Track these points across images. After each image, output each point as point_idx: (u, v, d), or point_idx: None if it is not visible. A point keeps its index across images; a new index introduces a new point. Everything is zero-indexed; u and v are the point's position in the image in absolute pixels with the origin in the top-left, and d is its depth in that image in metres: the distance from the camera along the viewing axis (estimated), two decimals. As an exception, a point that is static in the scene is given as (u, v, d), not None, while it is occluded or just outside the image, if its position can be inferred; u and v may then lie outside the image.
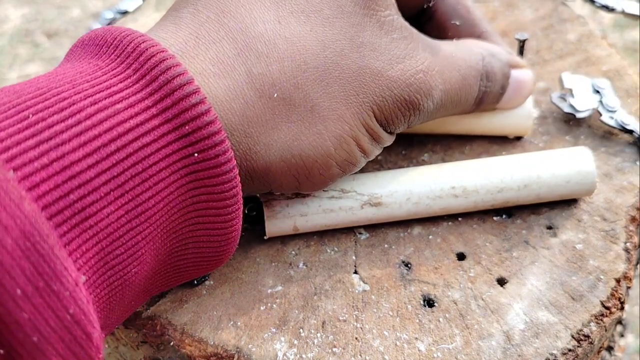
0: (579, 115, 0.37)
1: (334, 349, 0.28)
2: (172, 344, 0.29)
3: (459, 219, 0.34)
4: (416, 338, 0.29)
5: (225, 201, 0.25)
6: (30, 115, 0.21)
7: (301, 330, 0.29)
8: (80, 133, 0.22)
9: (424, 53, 0.30)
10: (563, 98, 0.38)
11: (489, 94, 0.33)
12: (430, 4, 0.35)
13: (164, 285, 0.28)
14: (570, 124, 0.38)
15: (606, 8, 0.45)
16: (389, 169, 0.36)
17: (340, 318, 0.29)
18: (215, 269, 0.32)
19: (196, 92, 0.24)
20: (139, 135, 0.23)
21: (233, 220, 0.26)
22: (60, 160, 0.21)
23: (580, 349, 0.28)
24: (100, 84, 0.23)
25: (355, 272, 0.31)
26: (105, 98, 0.23)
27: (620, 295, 0.30)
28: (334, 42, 0.28)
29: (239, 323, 0.29)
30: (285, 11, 0.28)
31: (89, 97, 0.23)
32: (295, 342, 0.29)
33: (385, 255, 0.32)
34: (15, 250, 0.18)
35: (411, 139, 0.37)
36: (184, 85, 0.24)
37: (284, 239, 0.33)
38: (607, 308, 0.30)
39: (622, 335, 0.43)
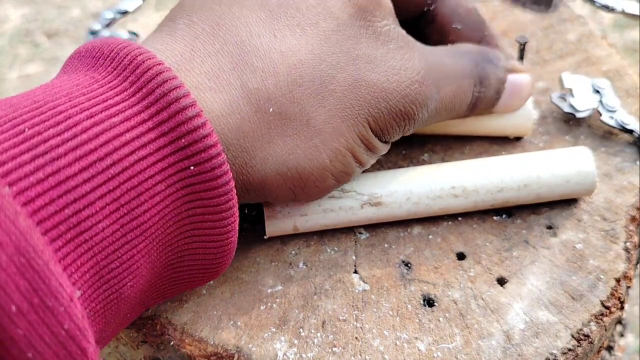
0: (579, 115, 0.37)
1: (334, 349, 0.28)
2: (172, 343, 0.29)
3: (459, 218, 0.34)
4: (416, 338, 0.29)
5: (221, 214, 0.25)
6: (26, 129, 0.21)
7: (301, 329, 0.29)
8: (76, 147, 0.22)
9: (419, 63, 0.30)
10: (563, 98, 0.38)
11: (482, 99, 0.33)
12: (431, 8, 0.35)
13: (160, 297, 0.28)
14: (570, 124, 0.38)
15: (606, 8, 0.45)
16: (389, 168, 0.36)
17: (340, 318, 0.29)
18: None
19: (192, 105, 0.24)
20: (135, 149, 0.23)
21: (229, 232, 0.26)
22: (55, 174, 0.21)
23: (580, 348, 0.28)
24: (97, 97, 0.23)
25: (355, 272, 0.31)
26: (102, 111, 0.23)
27: (620, 295, 0.30)
28: (330, 56, 0.28)
29: (239, 323, 0.29)
30: (280, 24, 0.27)
31: (85, 110, 0.22)
32: (295, 341, 0.29)
33: (385, 255, 0.32)
34: (10, 266, 0.18)
35: (411, 139, 0.37)
36: (180, 98, 0.24)
37: (284, 239, 0.33)
38: (607, 308, 0.30)
39: (622, 335, 0.43)
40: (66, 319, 0.20)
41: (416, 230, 0.33)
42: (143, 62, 0.24)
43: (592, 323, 0.29)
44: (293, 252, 0.32)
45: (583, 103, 0.38)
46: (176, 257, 0.26)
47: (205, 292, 0.31)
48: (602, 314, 0.29)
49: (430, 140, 0.38)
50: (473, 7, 0.36)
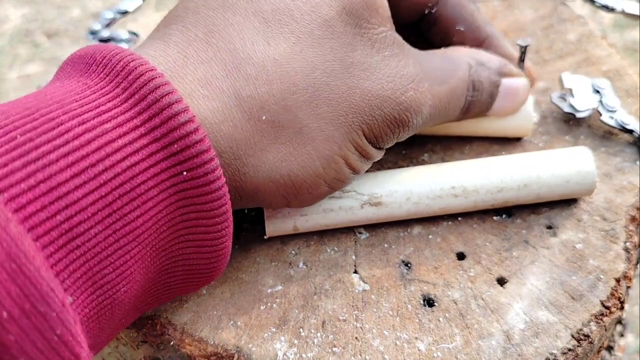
0: (579, 115, 0.37)
1: (334, 349, 0.28)
2: (172, 343, 0.29)
3: (459, 218, 0.34)
4: (416, 338, 0.29)
5: (215, 219, 0.25)
6: (18, 136, 0.21)
7: (301, 329, 0.29)
8: (68, 153, 0.21)
9: (414, 69, 0.30)
10: (563, 98, 0.38)
11: (475, 103, 0.33)
12: (433, 10, 0.35)
13: (155, 302, 0.28)
14: (570, 124, 0.38)
15: (606, 8, 0.45)
16: (389, 168, 0.36)
17: (340, 318, 0.29)
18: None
19: (185, 110, 0.24)
20: (127, 155, 0.23)
21: (223, 237, 0.26)
22: (47, 181, 0.21)
23: (580, 348, 0.28)
24: (89, 103, 0.23)
25: (355, 272, 0.32)
26: (94, 118, 0.23)
27: (620, 295, 0.30)
28: (324, 63, 0.28)
29: (239, 323, 0.29)
30: (274, 32, 0.27)
31: (77, 117, 0.22)
32: (295, 341, 0.29)
33: (385, 255, 0.32)
34: (1, 272, 0.18)
35: (411, 139, 0.37)
36: (173, 103, 0.23)
37: (284, 239, 0.33)
38: (607, 308, 0.30)
39: (622, 335, 0.43)
40: (58, 325, 0.20)
41: (416, 230, 0.33)
42: (135, 68, 0.24)
43: (592, 323, 0.29)
44: (293, 252, 0.32)
45: (583, 103, 0.38)
46: (170, 263, 0.26)
47: (205, 292, 0.31)
48: (602, 314, 0.29)
49: (430, 140, 0.38)
50: (475, 8, 0.36)
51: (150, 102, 0.23)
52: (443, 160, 0.36)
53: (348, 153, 0.28)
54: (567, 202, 0.34)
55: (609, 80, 0.40)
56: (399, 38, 0.30)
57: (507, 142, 0.37)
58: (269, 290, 0.31)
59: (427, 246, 0.33)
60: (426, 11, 0.35)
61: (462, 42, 0.35)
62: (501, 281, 0.31)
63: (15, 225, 0.19)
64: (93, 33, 0.45)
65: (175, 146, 0.24)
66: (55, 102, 0.23)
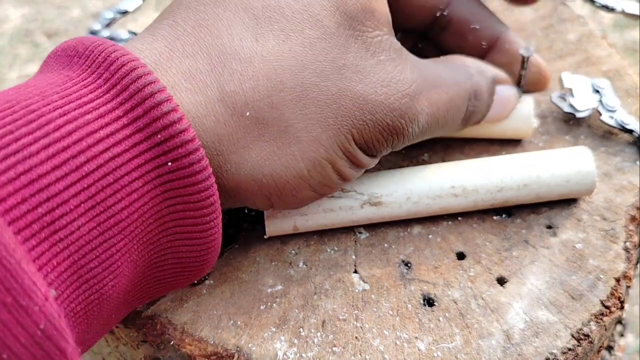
0: (578, 115, 0.37)
1: (334, 348, 0.28)
2: (172, 343, 0.29)
3: (459, 218, 0.34)
4: (416, 337, 0.29)
5: (203, 210, 0.25)
6: None
7: (301, 329, 0.29)
8: (49, 145, 0.21)
9: (412, 76, 0.29)
10: (563, 98, 0.38)
11: (476, 113, 0.33)
12: (445, 12, 0.34)
13: (146, 297, 0.28)
14: (570, 124, 0.38)
15: (606, 8, 0.45)
16: (389, 168, 0.36)
17: (340, 317, 0.29)
18: (215, 270, 0.32)
19: (168, 100, 0.23)
20: (110, 146, 0.23)
21: (212, 229, 0.26)
22: (27, 173, 0.21)
23: (580, 348, 0.28)
24: (70, 94, 0.23)
25: (355, 272, 0.32)
26: (75, 109, 0.22)
27: (620, 295, 0.30)
28: (314, 63, 0.27)
29: (239, 322, 0.29)
30: (264, 29, 0.27)
31: (58, 108, 0.22)
32: (296, 341, 0.29)
33: (385, 255, 0.32)
34: None
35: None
36: (155, 93, 0.23)
37: (284, 239, 0.33)
38: (607, 307, 0.30)
39: (622, 335, 0.43)
40: (42, 319, 0.19)
41: (416, 229, 0.33)
42: (117, 59, 0.24)
43: (592, 323, 0.29)
44: (293, 251, 0.32)
45: (583, 103, 0.38)
46: (159, 256, 0.26)
47: (205, 291, 0.31)
48: (602, 314, 0.29)
49: (430, 140, 0.37)
50: (485, 5, 0.35)
51: (132, 92, 0.23)
52: (443, 160, 0.36)
53: (335, 157, 0.28)
54: (567, 202, 0.34)
55: (609, 80, 0.40)
56: (397, 43, 0.30)
57: (507, 142, 0.37)
58: (269, 290, 0.31)
59: (427, 246, 0.33)
60: (438, 14, 0.34)
61: (477, 42, 0.34)
62: (501, 281, 0.31)
63: None
64: (93, 33, 0.45)
65: (159, 136, 0.23)
66: (36, 95, 0.23)
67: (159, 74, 0.25)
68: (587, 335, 0.29)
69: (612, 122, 0.37)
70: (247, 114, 0.26)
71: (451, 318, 0.29)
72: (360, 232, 0.33)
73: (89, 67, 0.24)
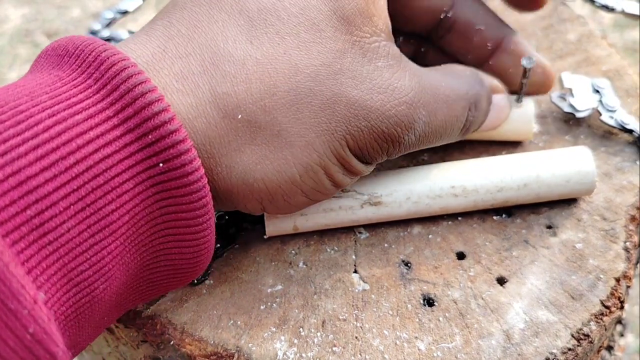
0: (578, 115, 0.37)
1: (334, 348, 0.28)
2: (172, 343, 0.29)
3: (459, 218, 0.34)
4: (416, 337, 0.29)
5: (195, 211, 0.24)
6: None
7: (301, 329, 0.29)
8: (37, 146, 0.21)
9: (410, 83, 0.28)
10: (563, 98, 0.38)
11: (474, 122, 0.32)
12: (449, 14, 0.34)
13: (138, 299, 0.27)
14: (570, 124, 0.38)
15: (606, 8, 0.45)
16: (389, 168, 0.36)
17: (340, 317, 0.29)
18: (215, 270, 0.32)
19: (159, 100, 0.23)
20: (100, 147, 0.22)
21: (205, 231, 0.25)
22: (16, 175, 0.20)
23: (580, 348, 0.28)
24: (60, 95, 0.23)
25: (355, 272, 0.32)
26: (64, 109, 0.22)
27: (620, 295, 0.30)
28: (308, 67, 0.27)
29: (239, 322, 0.29)
30: (258, 32, 0.27)
31: (47, 109, 0.22)
32: (296, 341, 0.29)
33: (385, 255, 0.32)
34: None
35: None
36: (146, 93, 0.23)
37: (284, 239, 0.33)
38: (607, 307, 0.30)
39: (622, 335, 0.43)
40: (31, 322, 0.19)
41: (416, 229, 0.33)
42: (107, 58, 0.23)
43: (592, 323, 0.29)
44: (293, 251, 0.32)
45: (583, 103, 0.38)
46: (151, 258, 0.25)
47: (205, 291, 0.31)
48: (602, 314, 0.29)
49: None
50: (488, 7, 0.35)
51: (122, 92, 0.23)
52: (443, 160, 0.36)
53: (329, 163, 0.27)
54: (567, 202, 0.34)
55: (609, 80, 0.40)
56: (396, 50, 0.29)
57: (507, 142, 0.37)
58: (269, 290, 0.31)
59: (427, 246, 0.33)
60: (442, 15, 0.34)
61: (483, 43, 0.34)
62: (501, 281, 0.31)
63: None
64: (93, 33, 0.45)
65: (150, 137, 0.23)
66: (25, 95, 0.22)
67: (150, 75, 0.25)
68: (587, 335, 0.29)
69: (612, 122, 0.37)
70: (239, 116, 0.26)
71: (451, 318, 0.29)
72: (360, 232, 0.33)
73: (79, 67, 0.24)
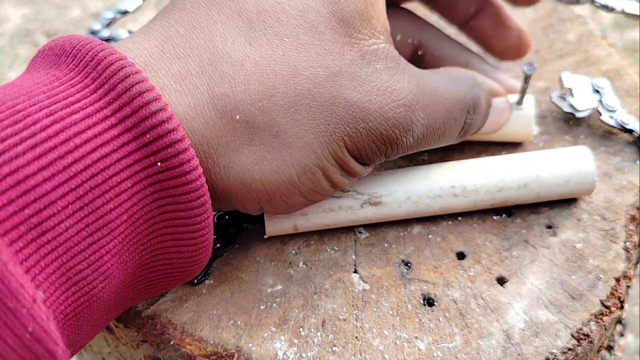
0: (578, 115, 0.37)
1: (334, 348, 0.28)
2: (172, 343, 0.29)
3: (459, 218, 0.34)
4: (416, 337, 0.29)
5: (193, 210, 0.25)
6: None
7: (301, 329, 0.29)
8: (35, 145, 0.21)
9: (408, 85, 0.28)
10: (563, 97, 0.38)
11: (473, 125, 0.33)
12: None
13: (137, 298, 0.27)
14: (570, 124, 0.38)
15: (606, 8, 0.45)
16: (389, 168, 0.36)
17: (340, 317, 0.29)
18: (215, 270, 0.32)
19: (156, 99, 0.23)
20: (98, 146, 0.22)
21: (203, 230, 0.25)
22: (13, 174, 0.20)
23: (580, 348, 0.28)
24: (57, 94, 0.23)
25: (355, 272, 0.32)
26: (62, 109, 0.22)
27: (620, 295, 0.30)
28: (307, 69, 0.27)
29: (239, 322, 0.29)
30: (257, 33, 0.27)
31: (44, 108, 0.22)
32: (296, 341, 0.29)
33: (385, 255, 0.32)
34: None
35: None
36: (143, 92, 0.23)
37: (284, 238, 0.33)
38: (607, 307, 0.30)
39: (622, 335, 0.43)
40: (30, 321, 0.19)
41: (416, 229, 0.33)
42: (105, 58, 0.23)
43: (592, 322, 0.29)
44: (293, 251, 0.32)
45: (583, 103, 0.38)
46: (150, 257, 0.26)
47: (205, 291, 0.31)
48: (602, 314, 0.29)
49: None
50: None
51: (120, 91, 0.23)
52: (443, 160, 0.36)
53: (327, 165, 0.27)
54: (567, 202, 0.34)
55: (609, 80, 0.40)
56: (395, 52, 0.29)
57: (507, 142, 0.37)
58: (269, 290, 0.31)
59: (427, 246, 0.33)
60: None
61: (466, 6, 0.36)
62: (501, 281, 0.31)
63: None
64: (93, 33, 0.45)
65: (148, 136, 0.23)
66: (22, 94, 0.22)
67: (148, 75, 0.25)
68: (587, 335, 0.29)
69: (612, 122, 0.37)
70: (237, 117, 0.26)
71: (451, 318, 0.29)
72: (360, 232, 0.33)
73: (76, 67, 0.24)
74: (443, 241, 0.33)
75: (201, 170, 0.24)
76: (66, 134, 0.22)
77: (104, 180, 0.22)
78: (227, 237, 0.33)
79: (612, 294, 0.30)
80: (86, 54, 0.24)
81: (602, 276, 0.31)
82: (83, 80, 0.23)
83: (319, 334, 0.29)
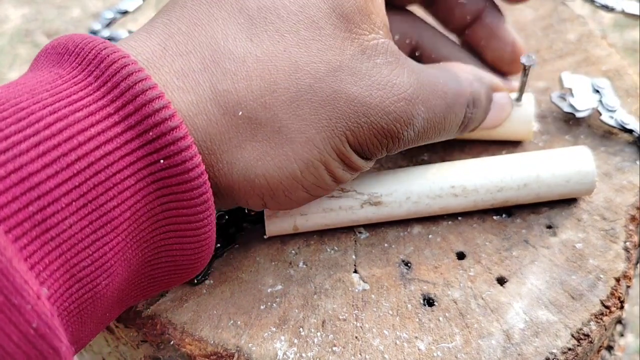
0: (578, 115, 0.37)
1: (334, 348, 0.28)
2: (172, 343, 0.29)
3: (459, 218, 0.34)
4: (416, 337, 0.29)
5: (196, 208, 0.25)
6: None
7: (301, 329, 0.29)
8: (39, 143, 0.21)
9: (408, 80, 0.29)
10: (563, 97, 0.38)
11: (473, 119, 0.33)
12: None
13: (140, 296, 0.28)
14: (570, 124, 0.38)
15: (606, 8, 0.45)
16: (389, 168, 0.36)
17: (340, 317, 0.29)
18: (215, 270, 0.32)
19: (159, 97, 0.23)
20: (101, 144, 0.22)
21: (205, 227, 0.26)
22: (18, 171, 0.20)
23: (580, 348, 0.28)
24: (60, 92, 0.23)
25: (355, 272, 0.32)
26: (65, 107, 0.22)
27: (620, 295, 0.30)
28: (308, 64, 0.27)
29: (239, 322, 0.29)
30: (258, 29, 0.27)
31: (48, 106, 0.22)
32: (296, 341, 0.29)
33: (385, 255, 0.32)
34: None
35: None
36: (146, 90, 0.23)
37: (284, 238, 0.33)
38: (607, 307, 0.30)
39: (622, 335, 0.43)
40: (34, 317, 0.19)
41: (416, 229, 0.33)
42: (107, 56, 0.24)
43: (592, 322, 0.29)
44: (293, 251, 0.32)
45: (583, 103, 0.38)
46: (153, 254, 0.26)
47: (205, 291, 0.31)
48: (602, 314, 0.29)
49: (430, 139, 0.38)
50: None
51: (123, 89, 0.23)
52: (443, 160, 0.36)
53: (329, 159, 0.28)
54: (567, 202, 0.34)
55: (609, 80, 0.40)
56: (394, 47, 0.29)
57: (507, 142, 0.37)
58: (269, 290, 0.31)
59: (427, 246, 0.33)
60: None
61: (463, 15, 0.35)
62: (501, 281, 0.31)
63: None
64: (93, 33, 0.45)
65: (151, 134, 0.23)
66: (26, 92, 0.23)
67: (151, 72, 0.25)
68: (587, 335, 0.29)
69: (612, 122, 0.37)
70: (240, 113, 0.26)
71: (451, 318, 0.29)
72: (360, 232, 0.33)
73: (79, 65, 0.24)
74: (443, 241, 0.33)
75: (203, 168, 0.24)
76: (70, 131, 0.22)
77: (107, 177, 0.23)
78: (227, 237, 0.33)
79: (612, 294, 0.30)
80: (89, 52, 0.24)
81: (602, 276, 0.31)
82: (86, 79, 0.24)
83: (319, 334, 0.29)
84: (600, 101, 0.38)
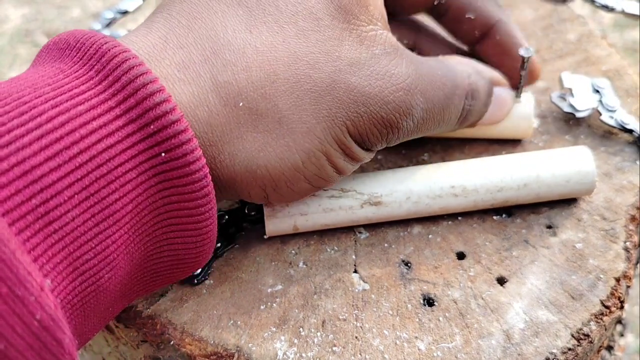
0: (578, 115, 0.37)
1: (334, 348, 0.28)
2: (172, 343, 0.29)
3: (459, 218, 0.34)
4: (416, 337, 0.29)
5: (197, 201, 0.25)
6: None
7: (301, 329, 0.29)
8: (41, 136, 0.21)
9: (407, 70, 0.29)
10: (563, 97, 0.38)
11: (472, 112, 0.33)
12: (443, 1, 0.35)
13: (142, 291, 0.28)
14: (570, 124, 0.38)
15: (606, 8, 0.45)
16: (389, 168, 0.36)
17: (340, 317, 0.29)
18: (215, 270, 0.32)
19: (160, 90, 0.24)
20: (103, 137, 0.23)
21: (207, 220, 0.26)
22: (20, 164, 0.21)
23: (580, 348, 0.28)
24: (62, 86, 0.23)
25: (355, 272, 0.32)
26: (67, 100, 0.23)
27: (620, 295, 0.30)
28: (308, 55, 0.27)
29: (239, 322, 0.29)
30: (257, 21, 0.27)
31: (50, 100, 0.22)
32: (296, 341, 0.29)
33: (385, 255, 0.32)
34: None
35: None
36: (148, 84, 0.23)
37: (284, 238, 0.33)
38: (607, 307, 0.30)
39: (622, 335, 0.43)
40: (38, 309, 0.19)
41: (416, 229, 0.33)
42: (108, 50, 0.24)
43: (592, 322, 0.29)
44: (293, 251, 0.32)
45: (583, 103, 0.38)
46: (155, 248, 0.26)
47: (205, 291, 0.31)
48: (602, 314, 0.29)
49: (430, 140, 0.38)
50: None
51: (124, 83, 0.23)
52: (443, 160, 0.36)
53: (330, 149, 0.28)
54: (567, 202, 0.34)
55: (609, 80, 0.40)
56: (393, 38, 0.30)
57: (507, 142, 0.37)
58: (269, 290, 0.31)
59: (427, 246, 0.33)
60: (436, 2, 0.35)
61: (471, 30, 0.35)
62: (501, 281, 0.31)
63: None
64: (93, 33, 0.45)
65: (152, 127, 0.23)
66: (28, 87, 0.23)
67: (152, 66, 0.25)
68: (587, 335, 0.29)
69: (612, 122, 0.37)
70: (241, 104, 0.26)
71: (451, 318, 0.29)
72: (360, 232, 0.33)
73: (81, 59, 0.24)
74: (443, 241, 0.33)
75: (204, 161, 0.25)
76: (72, 125, 0.22)
77: (109, 170, 0.23)
78: (227, 237, 0.33)
79: (612, 294, 0.30)
80: (90, 47, 0.24)
81: (602, 276, 0.31)
82: (88, 73, 0.24)
83: (319, 334, 0.29)
84: (600, 101, 0.38)
